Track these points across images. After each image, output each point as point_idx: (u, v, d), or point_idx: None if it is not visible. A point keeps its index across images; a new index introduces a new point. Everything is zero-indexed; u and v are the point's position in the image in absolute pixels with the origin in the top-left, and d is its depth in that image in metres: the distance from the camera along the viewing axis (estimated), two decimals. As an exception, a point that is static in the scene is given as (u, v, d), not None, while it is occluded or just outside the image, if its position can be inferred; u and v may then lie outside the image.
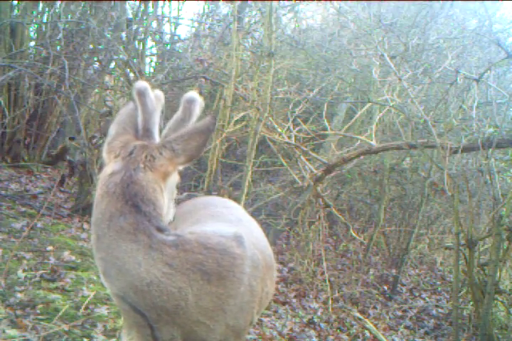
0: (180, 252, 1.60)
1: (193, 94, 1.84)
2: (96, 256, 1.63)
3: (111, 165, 1.64)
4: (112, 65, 6.86)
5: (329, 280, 5.46)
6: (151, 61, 8.46)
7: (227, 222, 2.10)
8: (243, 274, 1.71)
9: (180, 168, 1.73)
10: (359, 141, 5.56)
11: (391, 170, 6.97)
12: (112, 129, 1.76)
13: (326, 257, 5.84)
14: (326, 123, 5.92)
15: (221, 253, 1.67)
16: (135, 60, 5.75)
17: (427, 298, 6.61)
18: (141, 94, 1.74)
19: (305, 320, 4.85)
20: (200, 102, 1.84)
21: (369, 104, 6.40)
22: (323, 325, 4.83)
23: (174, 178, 1.77)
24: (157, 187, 1.64)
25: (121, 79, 6.53)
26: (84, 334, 3.06)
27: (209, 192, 5.98)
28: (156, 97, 1.81)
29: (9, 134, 6.45)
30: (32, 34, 7.10)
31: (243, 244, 1.74)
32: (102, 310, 3.41)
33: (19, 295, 3.27)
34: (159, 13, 7.70)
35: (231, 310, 1.70)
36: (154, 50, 8.41)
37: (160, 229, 1.61)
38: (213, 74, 6.78)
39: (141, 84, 1.75)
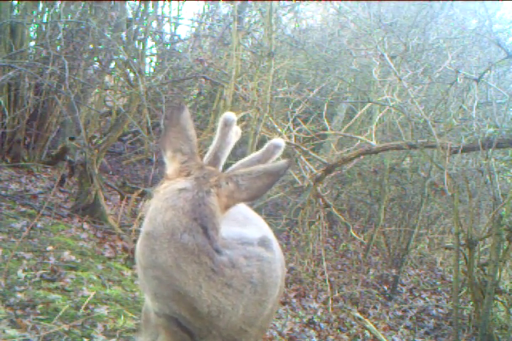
0: (237, 271, 1.61)
1: (281, 141, 1.87)
2: (146, 274, 1.57)
3: (181, 182, 1.60)
4: (112, 65, 6.87)
5: (329, 280, 5.46)
6: (151, 61, 8.47)
7: (235, 221, 2.10)
8: (278, 278, 1.75)
9: (239, 204, 1.70)
10: (359, 141, 5.56)
11: (391, 170, 6.97)
12: (186, 147, 1.68)
13: (326, 257, 5.84)
14: (326, 123, 5.92)
15: (258, 259, 1.68)
16: (135, 60, 5.74)
17: (427, 298, 6.61)
18: (228, 124, 1.77)
19: (305, 320, 4.85)
20: (282, 149, 1.87)
21: (369, 104, 6.40)
22: (323, 325, 4.83)
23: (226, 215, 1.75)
24: (220, 214, 1.63)
25: (121, 79, 6.54)
26: (84, 334, 3.06)
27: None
28: (236, 132, 1.86)
29: (9, 134, 6.44)
30: (32, 34, 7.09)
31: (270, 247, 1.76)
32: (102, 310, 3.40)
33: (19, 295, 3.27)
34: (159, 13, 7.70)
35: (267, 314, 1.73)
36: (154, 50, 8.41)
37: (218, 251, 1.59)
38: (213, 74, 6.78)
39: (231, 115, 1.78)
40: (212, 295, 1.56)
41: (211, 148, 1.79)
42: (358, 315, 5.17)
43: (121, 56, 5.88)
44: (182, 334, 1.65)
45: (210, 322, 1.60)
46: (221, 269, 1.57)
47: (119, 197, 6.23)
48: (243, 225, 2.00)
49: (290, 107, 6.12)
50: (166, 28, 8.39)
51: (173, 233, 1.52)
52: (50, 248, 4.24)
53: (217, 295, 1.57)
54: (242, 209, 2.39)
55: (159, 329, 1.77)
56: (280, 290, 1.81)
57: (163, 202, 1.57)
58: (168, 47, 8.29)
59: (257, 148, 5.64)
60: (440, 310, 6.20)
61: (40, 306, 3.21)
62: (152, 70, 8.07)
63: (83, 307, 3.31)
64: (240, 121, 6.14)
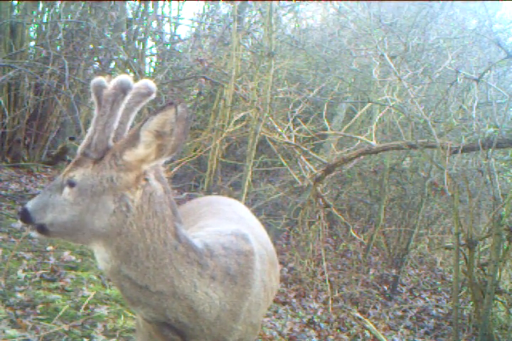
0: (215, 260, 1.63)
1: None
2: (151, 289, 1.54)
3: (160, 185, 1.59)
4: (112, 65, 6.86)
5: (329, 280, 5.46)
6: (151, 61, 8.46)
7: (228, 219, 2.11)
8: (257, 270, 1.75)
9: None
10: (359, 141, 5.55)
11: (391, 170, 6.97)
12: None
13: (326, 257, 5.84)
14: (326, 123, 5.92)
15: (237, 253, 1.70)
16: (135, 60, 5.75)
17: (427, 298, 6.61)
18: (123, 89, 1.61)
19: (305, 320, 4.84)
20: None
21: (369, 104, 6.40)
22: (323, 325, 4.83)
23: None
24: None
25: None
26: (84, 334, 3.06)
27: (209, 192, 5.98)
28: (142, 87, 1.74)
29: (9, 134, 6.44)
30: (32, 34, 7.09)
31: (249, 240, 1.77)
32: (102, 310, 3.41)
33: (19, 295, 3.27)
34: (159, 13, 7.69)
35: (253, 309, 1.74)
36: (154, 50, 8.40)
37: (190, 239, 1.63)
38: (213, 74, 6.78)
39: (126, 78, 1.64)
40: (204, 292, 1.59)
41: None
42: (358, 315, 5.17)
43: (121, 56, 5.89)
44: (173, 337, 1.66)
45: (203, 320, 1.61)
46: (205, 260, 1.60)
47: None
48: (236, 224, 2.01)
49: (290, 107, 6.11)
50: (166, 28, 8.38)
51: (166, 238, 1.54)
52: (50, 248, 4.25)
53: (208, 291, 1.60)
54: (238, 209, 2.40)
55: (150, 332, 1.78)
56: (264, 285, 1.82)
57: (154, 207, 1.60)
58: (168, 47, 8.28)
59: (257, 148, 5.67)
60: (440, 310, 6.20)
61: (40, 306, 3.21)
62: (152, 70, 8.05)
63: (83, 307, 3.32)
64: (240, 121, 6.15)
